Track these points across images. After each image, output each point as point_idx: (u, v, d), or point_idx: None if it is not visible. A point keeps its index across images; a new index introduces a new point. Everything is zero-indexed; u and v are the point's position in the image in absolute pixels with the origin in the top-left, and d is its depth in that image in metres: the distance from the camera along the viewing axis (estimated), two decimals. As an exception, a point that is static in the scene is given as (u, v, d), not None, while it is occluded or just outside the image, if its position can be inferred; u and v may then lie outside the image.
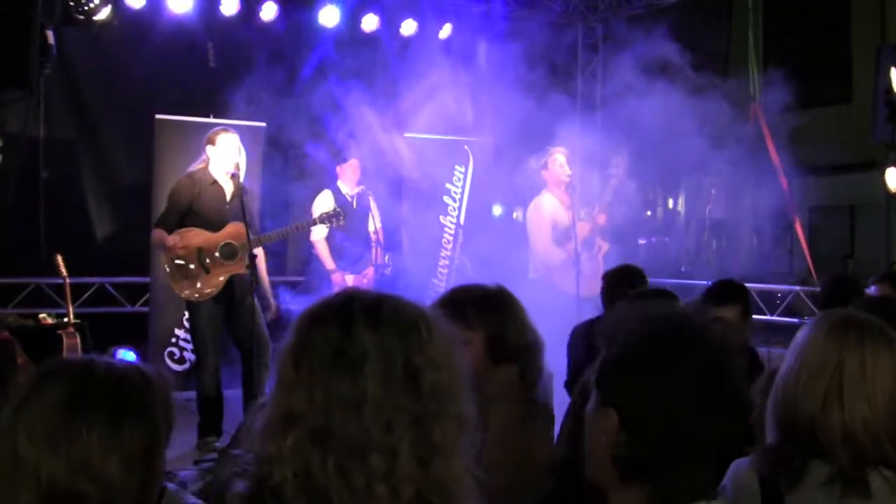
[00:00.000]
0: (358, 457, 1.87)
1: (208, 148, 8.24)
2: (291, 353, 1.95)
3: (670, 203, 10.83)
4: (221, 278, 8.14)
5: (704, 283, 9.88)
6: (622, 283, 5.62)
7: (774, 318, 10.63)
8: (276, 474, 1.90)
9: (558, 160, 10.01)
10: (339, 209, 8.81)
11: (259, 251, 8.27)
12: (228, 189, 8.25)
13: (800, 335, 2.82)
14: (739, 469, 2.81)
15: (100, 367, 2.40)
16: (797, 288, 10.39)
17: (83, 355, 3.13)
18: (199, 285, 8.14)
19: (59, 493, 2.18)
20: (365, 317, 1.94)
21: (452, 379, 1.97)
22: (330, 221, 8.79)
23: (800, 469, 2.70)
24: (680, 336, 2.09)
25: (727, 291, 5.68)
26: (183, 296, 8.28)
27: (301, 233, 9.15)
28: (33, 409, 2.24)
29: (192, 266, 8.11)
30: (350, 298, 2.00)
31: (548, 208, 10.16)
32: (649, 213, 10.46)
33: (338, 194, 10.25)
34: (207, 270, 8.11)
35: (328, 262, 10.20)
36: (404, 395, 1.90)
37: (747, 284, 10.63)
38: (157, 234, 8.14)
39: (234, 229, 8.17)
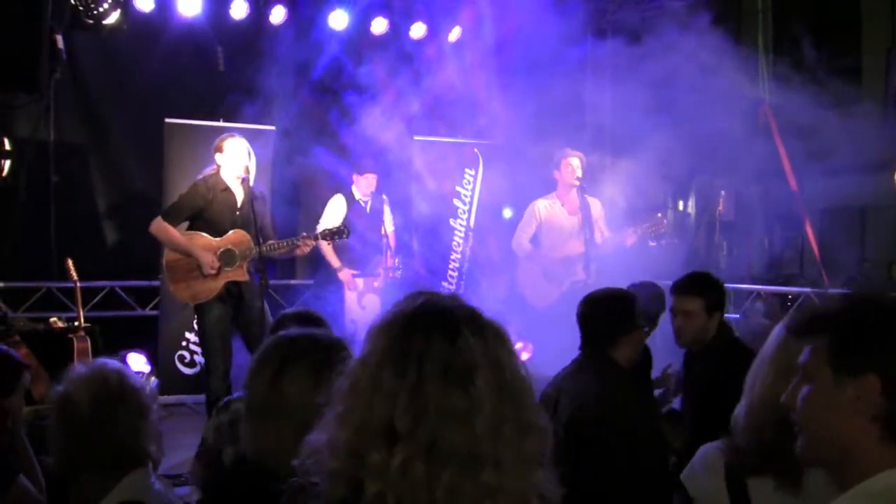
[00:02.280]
0: (470, 471, 1.86)
1: (217, 156, 8.27)
2: (391, 362, 1.91)
3: (680, 205, 10.82)
4: (218, 284, 8.15)
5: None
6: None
7: (786, 320, 10.63)
8: (371, 487, 1.86)
9: (572, 163, 10.04)
10: (342, 227, 8.79)
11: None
12: (239, 195, 8.26)
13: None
14: (708, 451, 3.02)
15: None
16: (808, 290, 10.36)
17: None
18: (194, 289, 8.15)
19: None
20: (468, 325, 1.95)
21: (530, 388, 2.00)
22: (332, 238, 8.78)
23: (760, 460, 2.81)
24: None
25: (690, 283, 5.70)
26: (178, 297, 8.35)
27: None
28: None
29: (189, 269, 8.13)
30: (444, 306, 1.99)
31: (540, 208, 10.28)
32: (659, 214, 10.40)
33: (350, 199, 10.29)
34: (205, 275, 8.13)
35: (333, 260, 10.22)
36: (509, 405, 1.90)
37: (758, 286, 10.80)
38: (164, 227, 8.13)
39: (236, 236, 8.21)
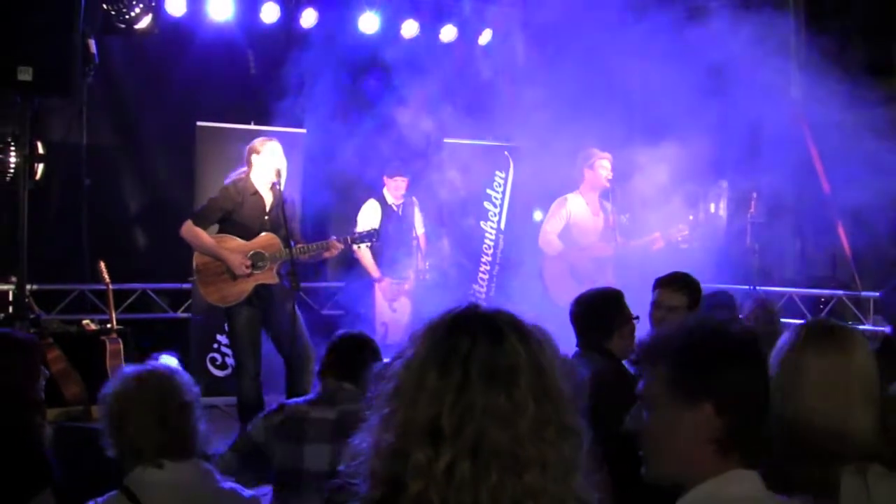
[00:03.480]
0: (514, 471, 1.88)
1: (253, 157, 8.29)
2: (435, 364, 1.93)
3: (712, 207, 10.77)
4: (247, 286, 8.19)
5: (746, 287, 9.93)
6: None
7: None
8: (414, 486, 1.88)
9: (603, 164, 10.05)
10: (373, 230, 8.87)
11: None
12: (268, 200, 8.31)
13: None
14: None
15: None
16: (840, 293, 10.31)
17: None
18: (224, 292, 8.21)
19: None
20: (513, 329, 1.97)
21: (568, 390, 2.01)
22: (362, 242, 8.83)
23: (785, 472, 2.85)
24: (737, 334, 2.48)
25: (678, 279, 5.86)
26: (208, 300, 8.39)
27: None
28: None
29: (219, 272, 8.18)
30: (487, 309, 2.03)
31: (569, 206, 10.29)
32: (691, 217, 10.36)
33: (383, 203, 10.34)
34: (234, 277, 8.17)
35: (373, 271, 10.31)
36: (551, 408, 1.93)
37: (790, 289, 10.74)
38: (194, 231, 8.19)
39: (266, 239, 8.25)
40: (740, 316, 6.54)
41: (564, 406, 1.96)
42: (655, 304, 5.84)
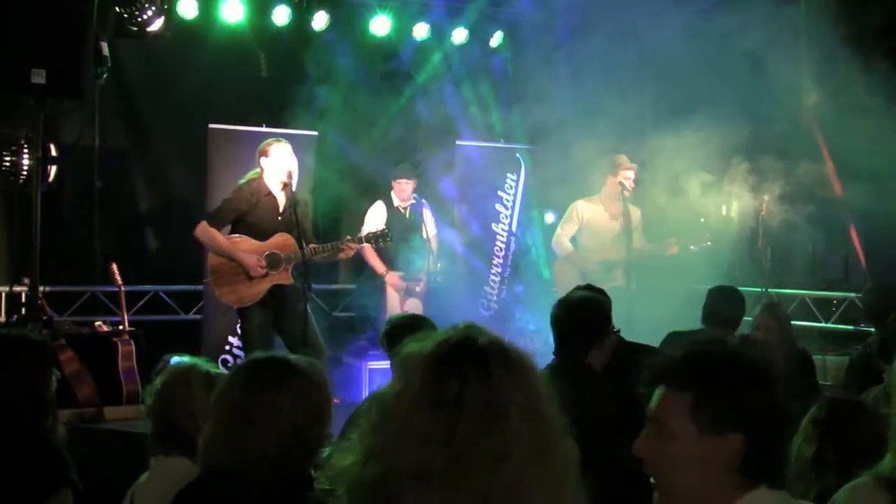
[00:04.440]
0: None
1: (262, 160, 8.31)
2: (425, 404, 1.90)
3: (723, 209, 10.74)
4: (263, 287, 8.21)
5: (758, 290, 9.93)
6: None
7: (830, 325, 10.60)
8: None
9: (627, 175, 10.09)
10: (385, 230, 8.80)
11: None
12: (282, 200, 8.31)
13: None
14: (859, 487, 3.00)
15: None
16: (853, 295, 10.30)
17: None
18: (240, 293, 8.22)
19: None
20: (499, 365, 1.93)
21: (558, 414, 1.99)
22: (375, 242, 8.78)
23: None
24: (757, 359, 2.43)
25: None
26: (224, 301, 8.38)
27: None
28: None
29: (235, 273, 8.20)
30: (475, 344, 1.97)
31: (582, 209, 10.35)
32: (703, 220, 10.36)
33: (390, 206, 10.38)
34: (250, 278, 8.18)
35: (378, 266, 10.33)
36: (543, 436, 1.91)
37: (802, 292, 10.74)
38: (209, 231, 8.21)
39: (281, 240, 8.25)
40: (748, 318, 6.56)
41: (556, 430, 1.96)
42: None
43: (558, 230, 10.43)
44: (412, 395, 1.90)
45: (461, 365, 1.91)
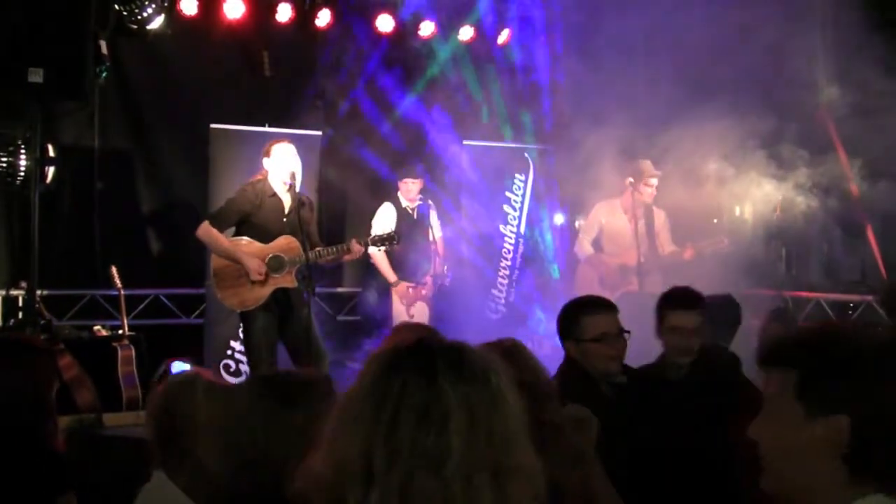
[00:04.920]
0: None
1: (265, 161, 8.29)
2: (371, 401, 1.93)
3: (736, 210, 10.71)
4: (266, 290, 8.18)
5: (773, 293, 9.88)
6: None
7: (847, 328, 10.49)
8: None
9: (651, 182, 10.13)
10: (392, 232, 8.82)
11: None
12: (287, 201, 8.28)
13: None
14: None
15: None
16: (870, 298, 10.24)
17: None
18: (243, 296, 8.19)
19: None
20: (447, 368, 1.94)
21: (521, 429, 1.98)
22: (383, 244, 8.84)
23: None
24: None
25: (685, 296, 5.48)
26: (226, 305, 8.36)
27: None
28: None
29: (237, 276, 8.16)
30: (427, 346, 2.00)
31: (602, 213, 10.43)
32: (715, 220, 10.33)
33: (398, 207, 10.33)
34: (252, 281, 8.15)
35: (389, 275, 10.29)
36: (488, 451, 1.89)
37: (818, 294, 10.67)
38: (211, 232, 8.19)
39: (285, 242, 8.23)
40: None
41: (509, 448, 1.93)
42: (671, 329, 5.40)
43: (581, 234, 10.60)
44: (362, 392, 1.95)
45: (408, 365, 1.94)
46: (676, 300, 5.43)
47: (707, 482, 4.67)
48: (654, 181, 10.13)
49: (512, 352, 3.34)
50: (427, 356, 1.97)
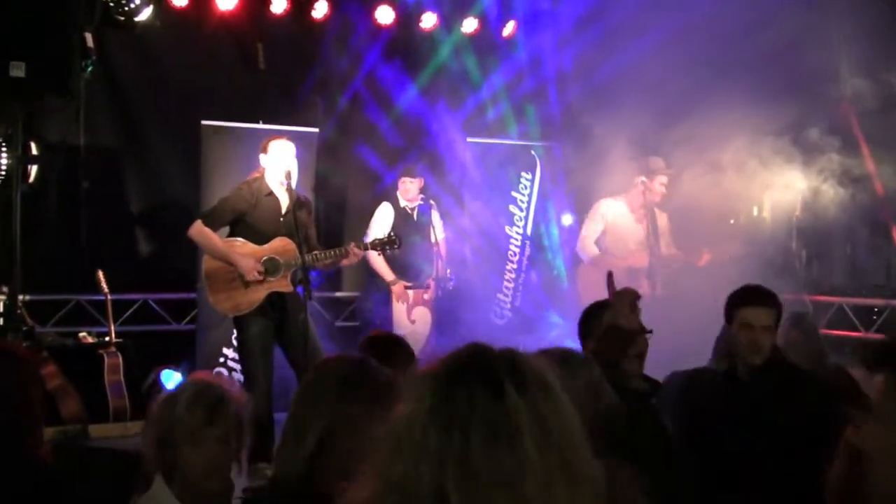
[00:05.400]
0: None
1: (261, 157, 8.22)
2: (435, 424, 1.86)
3: (754, 210, 10.61)
4: (261, 294, 8.08)
5: (793, 297, 9.75)
6: None
7: (871, 334, 10.37)
8: None
9: (662, 181, 10.09)
10: (393, 235, 8.79)
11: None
12: (284, 201, 8.19)
13: None
14: None
15: None
16: (896, 302, 10.14)
17: None
18: (236, 300, 8.09)
19: None
20: (513, 379, 1.89)
21: (583, 437, 1.93)
22: (383, 249, 8.77)
23: None
24: None
25: (766, 293, 5.40)
26: (218, 309, 8.25)
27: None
28: None
29: (231, 279, 8.07)
30: (486, 356, 1.94)
31: (607, 209, 10.31)
32: (732, 221, 10.23)
33: (397, 207, 10.27)
34: (246, 285, 8.05)
35: (387, 275, 10.20)
36: (558, 460, 1.85)
37: (841, 298, 10.54)
38: (204, 232, 8.09)
39: (281, 244, 8.14)
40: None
41: (574, 456, 1.89)
42: (741, 326, 5.33)
43: (583, 231, 10.41)
44: (424, 416, 1.88)
45: (471, 380, 1.89)
46: (748, 296, 5.35)
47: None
48: (665, 179, 10.06)
49: (568, 360, 3.35)
50: (490, 370, 1.91)
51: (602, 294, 9.18)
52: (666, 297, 9.67)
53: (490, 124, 11.94)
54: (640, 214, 10.15)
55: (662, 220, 10.27)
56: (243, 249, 8.10)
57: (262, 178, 8.20)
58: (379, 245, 8.66)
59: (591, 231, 10.33)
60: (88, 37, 9.70)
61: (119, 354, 9.19)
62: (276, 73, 11.25)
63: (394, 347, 4.83)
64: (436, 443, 1.84)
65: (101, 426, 8.66)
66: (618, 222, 10.27)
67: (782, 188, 9.97)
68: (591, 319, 4.95)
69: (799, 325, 6.81)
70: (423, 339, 10.15)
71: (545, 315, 11.60)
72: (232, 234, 8.19)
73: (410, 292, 10.33)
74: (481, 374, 1.89)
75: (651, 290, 9.79)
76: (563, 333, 10.00)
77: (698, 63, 9.60)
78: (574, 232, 11.31)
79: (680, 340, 6.43)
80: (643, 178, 10.09)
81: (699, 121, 9.62)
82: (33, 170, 9.33)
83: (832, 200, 9.89)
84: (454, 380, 1.89)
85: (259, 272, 7.99)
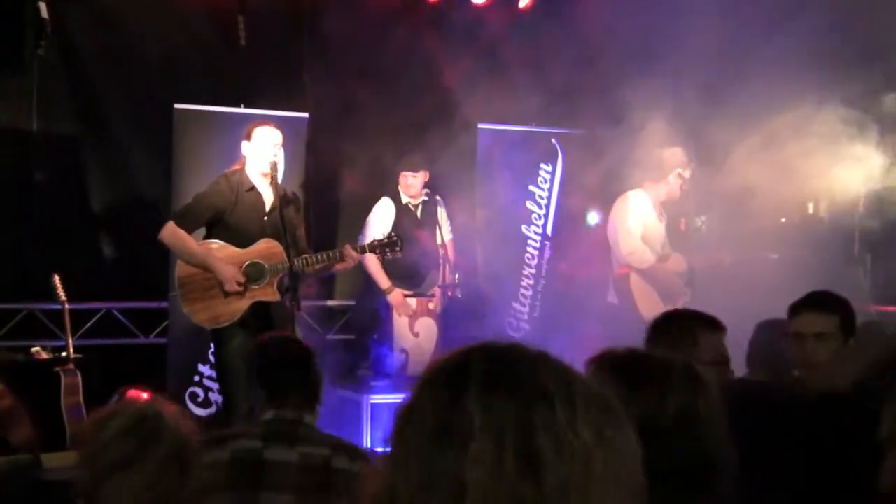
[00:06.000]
0: None
1: (244, 145, 8.25)
2: (397, 421, 1.83)
3: (810, 207, 10.53)
4: (243, 304, 8.11)
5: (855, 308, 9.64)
6: None
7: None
8: None
9: (686, 175, 10.05)
10: (394, 237, 8.83)
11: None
12: (268, 197, 8.27)
13: None
14: None
15: None
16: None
17: None
18: (215, 310, 8.13)
19: None
20: (480, 379, 1.77)
21: (599, 480, 1.74)
22: (383, 252, 8.74)
23: None
24: None
25: (822, 298, 5.47)
26: (195, 321, 8.28)
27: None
28: None
29: (208, 286, 8.08)
30: (470, 352, 1.84)
31: (639, 205, 10.21)
32: (783, 220, 10.15)
33: (398, 203, 10.30)
34: (227, 294, 8.08)
35: (381, 280, 10.21)
36: (521, 488, 1.70)
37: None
38: (178, 234, 8.11)
39: (266, 247, 8.20)
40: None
41: (557, 493, 1.72)
42: (792, 335, 5.44)
43: (625, 235, 10.17)
44: (430, 427, 1.79)
45: (438, 378, 1.84)
46: (800, 301, 5.41)
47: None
48: (687, 173, 10.06)
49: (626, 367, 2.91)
50: (463, 362, 1.82)
51: (659, 305, 9.12)
52: (701, 306, 9.52)
53: (504, 108, 11.77)
54: (660, 211, 10.19)
55: (690, 216, 10.47)
56: (222, 253, 8.12)
57: (242, 170, 8.23)
58: (378, 247, 8.65)
59: (635, 230, 10.16)
60: (43, 6, 9.78)
61: (78, 372, 9.06)
62: (259, 49, 11.18)
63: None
64: (394, 444, 1.81)
65: (56, 454, 8.53)
66: (648, 220, 10.21)
67: (842, 188, 9.87)
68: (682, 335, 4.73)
69: (873, 332, 6.75)
70: (429, 355, 10.13)
71: (568, 326, 11.48)
72: (210, 236, 8.23)
73: (413, 301, 10.30)
74: (451, 372, 1.82)
75: (693, 299, 9.79)
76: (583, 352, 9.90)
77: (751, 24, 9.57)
78: (599, 232, 11.20)
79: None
80: (679, 171, 10.05)
81: (749, 98, 9.59)
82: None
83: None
84: (427, 380, 1.84)
85: (239, 282, 8.01)
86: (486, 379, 1.77)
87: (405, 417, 1.81)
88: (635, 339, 4.75)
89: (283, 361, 5.05)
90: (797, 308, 5.44)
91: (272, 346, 5.31)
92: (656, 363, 2.68)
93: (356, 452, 4.88)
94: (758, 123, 9.74)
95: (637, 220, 10.13)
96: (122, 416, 3.62)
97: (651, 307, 9.53)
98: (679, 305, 9.50)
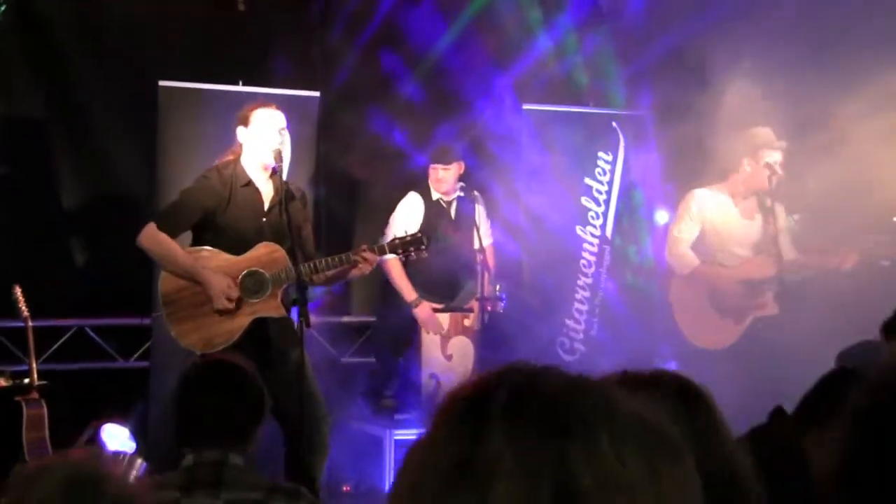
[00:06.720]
0: None
1: (239, 130, 8.10)
2: (414, 455, 1.77)
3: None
4: (241, 322, 7.99)
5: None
6: None
7: None
8: None
9: (773, 157, 9.82)
10: (419, 234, 8.63)
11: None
12: (267, 192, 8.16)
13: None
14: None
15: None
16: None
17: None
18: (208, 331, 8.01)
19: None
20: (507, 408, 1.73)
21: None
22: (406, 252, 8.52)
23: None
24: None
25: None
26: (183, 344, 8.08)
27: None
28: None
29: (199, 302, 7.97)
30: (495, 377, 1.78)
31: (705, 203, 10.14)
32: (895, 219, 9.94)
33: (427, 199, 10.17)
34: (220, 311, 7.96)
35: (407, 291, 10.08)
36: None
37: None
38: (160, 239, 7.95)
39: (266, 252, 8.10)
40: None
41: None
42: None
43: (673, 233, 10.23)
44: (411, 447, 1.85)
45: (458, 407, 1.79)
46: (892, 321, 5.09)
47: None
48: (778, 156, 9.85)
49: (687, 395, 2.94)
50: (486, 389, 1.76)
51: (705, 317, 9.03)
52: (793, 321, 9.53)
53: (555, 86, 11.78)
54: (748, 207, 10.03)
55: (780, 213, 10.11)
56: (214, 262, 7.98)
57: (237, 161, 8.10)
58: (400, 246, 8.42)
59: (683, 232, 10.14)
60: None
61: (43, 402, 8.99)
62: (260, 18, 11.19)
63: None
64: (414, 481, 1.77)
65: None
66: (720, 219, 10.10)
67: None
68: None
69: None
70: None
71: (631, 348, 11.32)
72: (198, 241, 8.10)
73: (445, 317, 10.16)
74: (472, 401, 1.77)
75: (778, 311, 9.73)
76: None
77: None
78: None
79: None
80: (747, 157, 9.92)
81: (851, 76, 9.45)
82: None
83: None
84: (446, 409, 1.79)
85: (230, 298, 7.89)
86: (514, 408, 1.73)
87: (415, 456, 1.77)
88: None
89: (202, 391, 4.94)
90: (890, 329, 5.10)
91: (193, 373, 5.23)
92: None
93: (296, 493, 4.81)
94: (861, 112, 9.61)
95: (688, 221, 10.15)
96: (50, 479, 3.33)
97: (697, 318, 9.85)
98: (748, 317, 9.69)
